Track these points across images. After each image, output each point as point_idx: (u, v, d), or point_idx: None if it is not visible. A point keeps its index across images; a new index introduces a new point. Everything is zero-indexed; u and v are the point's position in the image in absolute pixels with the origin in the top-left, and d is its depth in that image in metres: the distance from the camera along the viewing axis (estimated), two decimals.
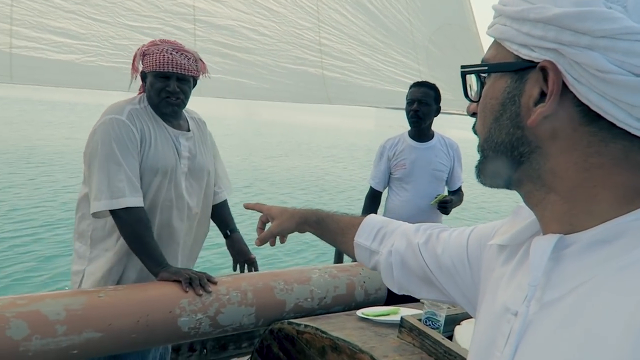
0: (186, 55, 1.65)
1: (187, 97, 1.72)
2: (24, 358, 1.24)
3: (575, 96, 0.44)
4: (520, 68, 0.48)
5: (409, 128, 2.58)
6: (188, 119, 1.83)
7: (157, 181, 1.68)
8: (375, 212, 2.63)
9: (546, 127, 0.46)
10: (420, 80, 3.75)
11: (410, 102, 2.47)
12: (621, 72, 0.41)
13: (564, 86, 0.45)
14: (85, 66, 2.59)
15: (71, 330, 1.31)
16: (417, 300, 1.96)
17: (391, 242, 0.87)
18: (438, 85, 3.74)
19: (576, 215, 0.47)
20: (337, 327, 1.55)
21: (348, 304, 1.84)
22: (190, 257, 1.91)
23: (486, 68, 0.52)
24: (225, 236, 2.01)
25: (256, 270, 1.97)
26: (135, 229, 1.58)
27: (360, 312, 1.65)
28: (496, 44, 0.52)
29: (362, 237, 0.92)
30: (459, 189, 2.67)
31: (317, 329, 1.54)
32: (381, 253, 0.88)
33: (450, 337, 1.45)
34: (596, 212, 0.46)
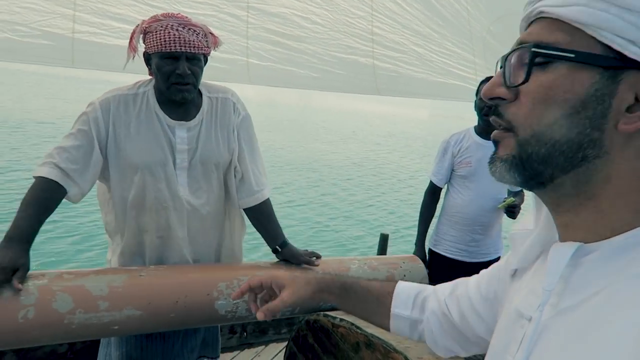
0: (194, 30, 1.44)
1: (198, 80, 1.50)
2: (68, 330, 1.29)
3: None
4: (620, 66, 0.43)
5: (476, 123, 2.46)
6: (204, 101, 1.59)
7: (140, 179, 1.50)
8: (435, 208, 2.57)
9: (625, 133, 0.44)
10: (477, 72, 3.60)
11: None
12: None
13: None
14: None
15: (113, 307, 1.35)
16: None
17: (430, 307, 0.82)
18: None
19: (606, 223, 0.46)
20: None
21: None
22: (223, 258, 1.71)
23: (572, 56, 0.45)
24: (275, 251, 1.73)
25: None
26: (26, 196, 1.37)
27: None
28: (569, 28, 0.46)
29: (401, 308, 0.84)
30: (521, 190, 2.54)
31: (352, 323, 1.51)
32: (424, 320, 0.82)
33: None
34: (626, 221, 0.44)
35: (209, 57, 1.57)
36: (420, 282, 1.86)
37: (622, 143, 0.44)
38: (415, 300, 0.84)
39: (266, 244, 1.73)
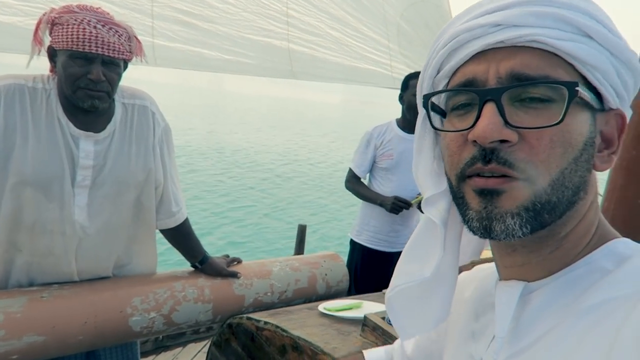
0: (117, 31, 1.24)
1: (114, 89, 1.29)
2: None
3: None
4: (602, 109, 0.45)
5: (398, 117, 2.48)
6: (117, 108, 1.38)
7: (28, 195, 1.26)
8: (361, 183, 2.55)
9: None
10: (392, 57, 3.66)
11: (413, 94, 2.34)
12: None
13: None
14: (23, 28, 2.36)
15: (10, 335, 1.21)
16: (379, 291, 1.95)
17: None
18: (407, 63, 3.68)
19: (560, 260, 0.46)
20: (298, 324, 1.51)
21: (309, 297, 1.80)
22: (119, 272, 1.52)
23: (588, 97, 0.43)
24: (194, 267, 1.63)
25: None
26: None
27: (322, 307, 1.60)
28: (564, 64, 0.42)
29: None
30: None
31: (277, 326, 1.49)
32: None
33: None
34: (573, 253, 0.46)
35: (129, 64, 1.37)
36: (341, 281, 1.92)
37: (590, 182, 0.46)
38: None
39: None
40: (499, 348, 0.46)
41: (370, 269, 2.47)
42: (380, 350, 0.86)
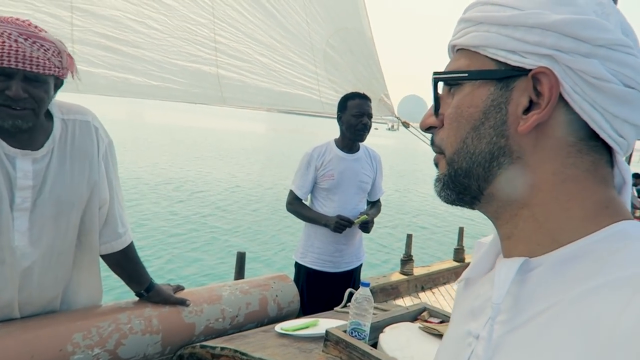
0: (42, 45, 1.13)
1: (41, 106, 1.18)
2: None
3: (564, 105, 0.45)
4: (508, 75, 0.47)
5: (336, 137, 2.49)
6: (55, 124, 1.28)
7: None
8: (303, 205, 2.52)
9: (532, 136, 0.46)
10: (319, 83, 3.76)
11: (358, 114, 2.37)
12: (615, 82, 0.43)
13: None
14: None
15: None
16: (330, 309, 1.93)
17: None
18: (334, 88, 3.79)
19: (545, 233, 0.46)
20: (257, 346, 1.45)
21: (261, 320, 1.74)
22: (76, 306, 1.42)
23: (466, 75, 0.49)
24: (139, 296, 1.52)
25: None
26: None
27: (278, 328, 1.56)
28: (468, 53, 0.50)
29: None
30: (378, 200, 2.69)
31: (235, 350, 1.42)
32: None
33: (375, 345, 1.43)
34: (565, 229, 0.45)
35: (65, 81, 1.27)
36: (292, 301, 1.87)
37: (532, 147, 0.46)
38: None
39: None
40: (494, 317, 0.46)
41: (317, 290, 2.44)
42: None
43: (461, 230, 5.21)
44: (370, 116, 2.42)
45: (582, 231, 0.44)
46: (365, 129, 2.41)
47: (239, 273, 2.81)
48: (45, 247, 1.27)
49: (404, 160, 29.58)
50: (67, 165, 1.29)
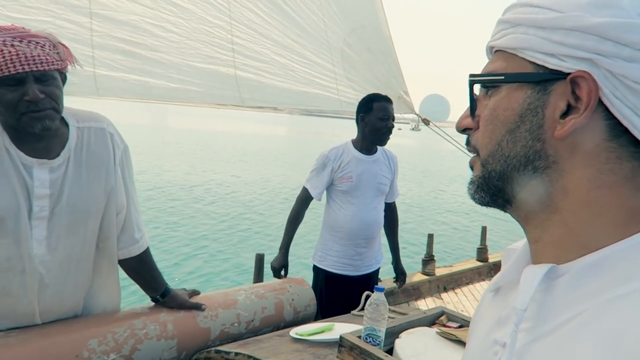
0: (37, 42, 1.13)
1: (59, 103, 1.20)
2: None
3: (603, 110, 0.43)
4: (546, 79, 0.46)
5: (353, 137, 2.46)
6: (71, 133, 1.29)
7: None
8: (303, 216, 2.52)
9: (569, 141, 0.45)
10: (337, 81, 3.73)
11: (385, 117, 2.33)
12: None
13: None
14: None
15: None
16: (347, 312, 1.91)
17: None
18: (352, 87, 3.76)
19: (575, 238, 0.45)
20: (272, 352, 1.44)
21: (277, 324, 1.73)
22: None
23: (502, 77, 0.49)
24: (155, 301, 1.53)
25: None
26: None
27: (293, 332, 1.55)
28: (505, 55, 0.50)
29: None
30: (394, 207, 2.66)
31: (249, 356, 1.41)
32: None
33: (390, 351, 1.40)
34: (595, 236, 0.44)
35: (67, 74, 1.27)
36: (308, 305, 1.86)
37: (569, 151, 0.45)
38: None
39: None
40: (518, 324, 0.45)
41: (335, 294, 2.41)
42: None
43: (484, 229, 5.10)
44: (393, 119, 2.38)
45: (612, 238, 0.43)
46: (390, 132, 2.37)
47: (258, 275, 2.81)
48: (63, 255, 1.28)
49: (427, 160, 29.29)
50: (84, 172, 1.29)
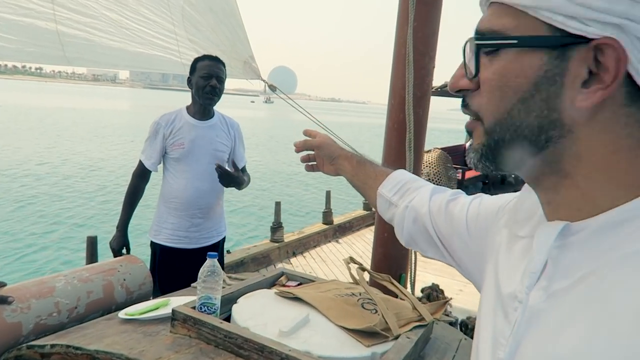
0: None
1: None
2: None
3: (625, 76, 0.41)
4: (566, 43, 0.42)
5: (189, 103, 2.31)
6: None
7: None
8: (143, 192, 2.36)
9: (587, 109, 0.42)
10: (179, 43, 3.47)
11: (206, 76, 2.19)
12: None
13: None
14: None
15: None
16: (187, 286, 1.82)
17: (411, 197, 0.88)
18: (195, 49, 3.54)
19: (588, 199, 0.45)
20: (95, 337, 1.30)
21: (107, 308, 1.58)
22: None
23: (515, 42, 0.44)
24: None
25: None
26: None
27: (122, 314, 1.42)
28: (513, 12, 0.45)
29: (386, 188, 0.93)
30: (244, 169, 2.56)
31: (68, 346, 1.26)
32: (398, 206, 0.89)
33: (228, 318, 1.37)
34: (609, 196, 0.43)
35: None
36: (143, 283, 1.73)
37: (586, 119, 0.43)
38: (401, 187, 0.92)
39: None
40: (531, 285, 0.46)
41: (174, 269, 2.29)
42: (414, 176, 0.95)
43: (328, 193, 5.37)
44: (221, 80, 2.27)
45: (626, 198, 0.42)
46: (214, 92, 2.25)
47: (91, 260, 2.55)
48: None
49: (279, 130, 29.77)
50: None
